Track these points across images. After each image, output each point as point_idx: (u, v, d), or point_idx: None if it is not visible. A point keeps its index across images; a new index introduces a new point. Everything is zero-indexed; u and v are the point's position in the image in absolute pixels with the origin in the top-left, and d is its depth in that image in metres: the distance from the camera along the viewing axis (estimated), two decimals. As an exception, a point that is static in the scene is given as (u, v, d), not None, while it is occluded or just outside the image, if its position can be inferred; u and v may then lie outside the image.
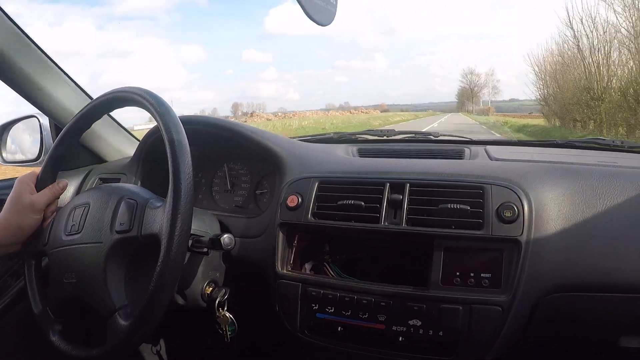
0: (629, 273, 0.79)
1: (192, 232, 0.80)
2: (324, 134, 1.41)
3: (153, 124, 0.93)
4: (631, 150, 1.20)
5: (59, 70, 1.16)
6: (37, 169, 0.89)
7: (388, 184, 0.86)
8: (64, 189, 0.89)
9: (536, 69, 22.56)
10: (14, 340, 1.12)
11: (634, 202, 0.83)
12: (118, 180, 1.16)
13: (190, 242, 0.80)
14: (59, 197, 0.89)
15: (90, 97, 1.22)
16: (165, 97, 0.79)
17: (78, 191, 1.23)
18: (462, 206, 0.80)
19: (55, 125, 1.24)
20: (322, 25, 0.84)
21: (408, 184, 0.85)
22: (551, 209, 0.82)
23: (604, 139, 1.24)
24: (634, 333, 0.87)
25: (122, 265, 0.76)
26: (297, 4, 0.78)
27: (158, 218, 0.71)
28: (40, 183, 0.87)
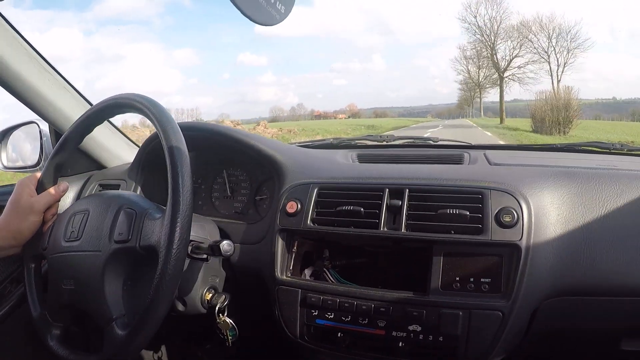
0: (629, 276, 0.79)
1: (191, 238, 0.80)
2: (323, 140, 1.41)
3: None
4: (630, 153, 1.20)
5: (59, 76, 1.17)
6: (38, 173, 0.89)
7: (387, 190, 0.86)
8: (64, 191, 0.89)
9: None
10: (14, 345, 1.12)
11: (634, 205, 0.83)
12: (117, 186, 1.16)
13: (189, 248, 0.81)
14: (59, 200, 0.89)
15: (90, 104, 1.22)
16: (163, 102, 0.79)
17: (78, 197, 1.23)
18: (461, 211, 0.80)
19: (55, 132, 1.25)
20: (267, 25, 0.81)
21: (407, 190, 0.85)
22: (551, 213, 0.82)
23: (604, 143, 1.24)
24: (635, 336, 0.86)
25: (120, 274, 0.76)
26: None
27: (156, 230, 0.71)
28: (41, 186, 0.87)
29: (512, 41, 36.85)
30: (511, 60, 37.60)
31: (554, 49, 34.55)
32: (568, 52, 34.73)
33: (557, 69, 34.37)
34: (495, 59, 38.18)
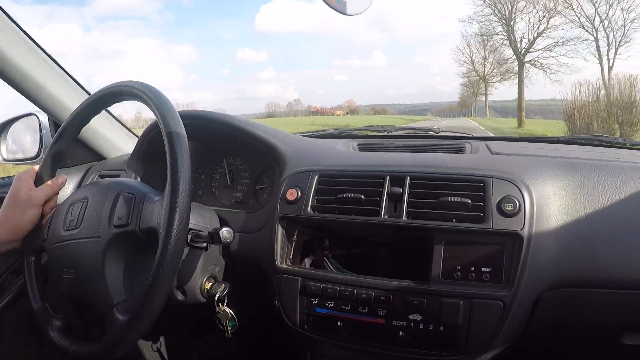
0: (631, 269, 0.78)
1: (191, 227, 0.79)
2: (324, 130, 1.41)
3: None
4: (633, 147, 1.20)
5: (59, 67, 1.16)
6: (36, 166, 0.89)
7: (388, 177, 0.85)
8: (62, 184, 0.89)
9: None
10: (15, 336, 1.12)
11: (637, 197, 0.82)
12: (117, 177, 1.16)
13: (189, 237, 0.80)
14: (57, 193, 0.89)
15: (90, 95, 1.22)
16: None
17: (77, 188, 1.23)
18: (463, 199, 0.79)
19: (55, 123, 1.25)
20: (358, 13, 0.86)
21: (408, 177, 0.85)
22: (553, 203, 0.81)
23: (606, 137, 1.24)
24: (637, 330, 0.86)
25: (121, 259, 0.76)
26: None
27: (156, 212, 0.71)
28: (39, 179, 0.87)
29: (537, 12, 23.35)
30: (535, 39, 24.35)
31: (603, 22, 21.35)
32: (623, 27, 21.14)
33: (608, 51, 21.64)
34: (512, 38, 24.98)
